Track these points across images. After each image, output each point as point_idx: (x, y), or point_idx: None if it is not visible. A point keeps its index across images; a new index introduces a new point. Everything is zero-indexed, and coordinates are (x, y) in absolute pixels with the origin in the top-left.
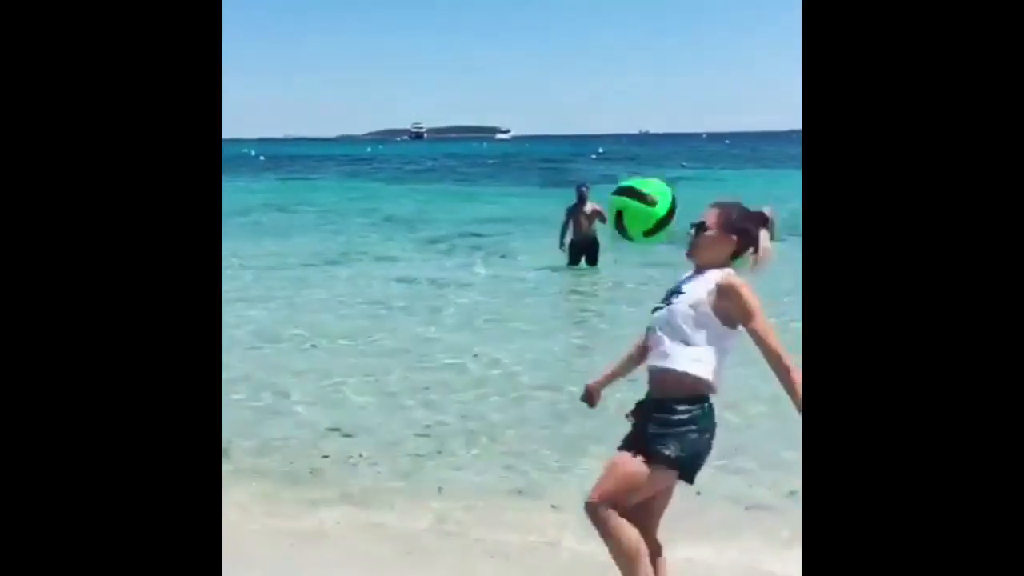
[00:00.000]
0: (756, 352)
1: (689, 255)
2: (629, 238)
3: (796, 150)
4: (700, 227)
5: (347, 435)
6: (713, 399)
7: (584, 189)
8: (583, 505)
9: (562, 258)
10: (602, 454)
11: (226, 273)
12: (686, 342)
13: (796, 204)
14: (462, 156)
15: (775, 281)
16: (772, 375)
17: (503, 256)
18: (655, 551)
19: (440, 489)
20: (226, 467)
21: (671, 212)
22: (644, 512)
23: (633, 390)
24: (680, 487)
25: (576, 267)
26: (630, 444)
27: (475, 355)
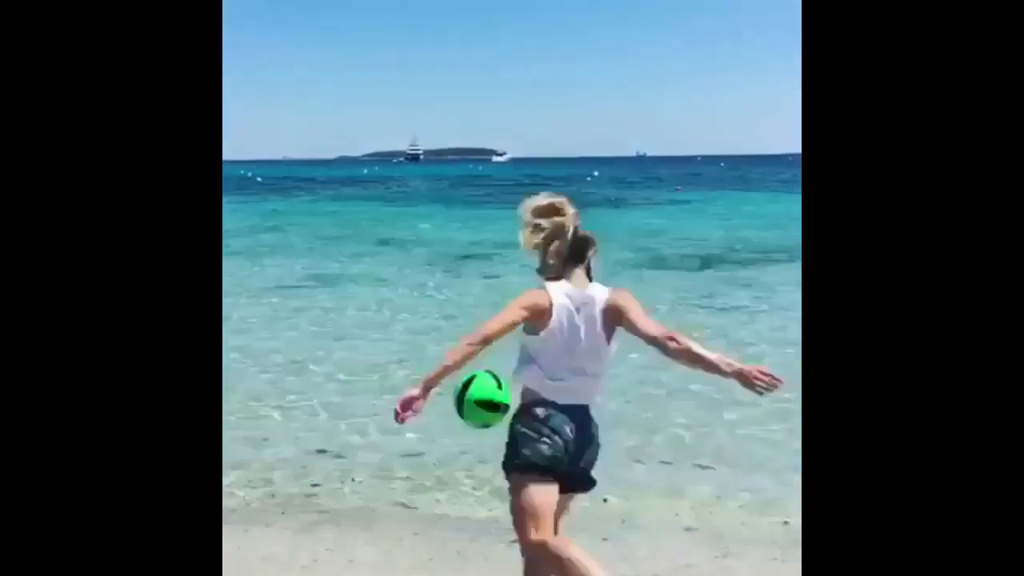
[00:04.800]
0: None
1: None
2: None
3: (791, 173)
4: None
5: (338, 457)
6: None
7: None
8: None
9: None
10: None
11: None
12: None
13: (784, 227)
14: (458, 178)
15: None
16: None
17: (494, 279)
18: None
19: (434, 518)
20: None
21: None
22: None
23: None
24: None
25: None
26: None
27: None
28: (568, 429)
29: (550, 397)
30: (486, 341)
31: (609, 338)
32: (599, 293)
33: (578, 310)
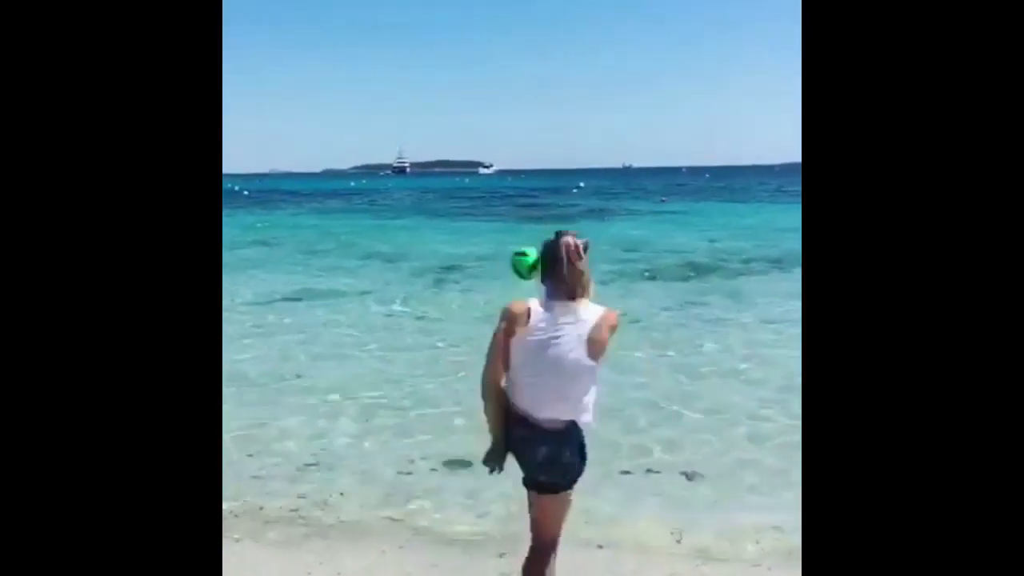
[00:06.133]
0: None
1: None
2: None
3: (776, 184)
4: None
5: (324, 471)
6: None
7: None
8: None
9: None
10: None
11: None
12: None
13: (769, 238)
14: (444, 190)
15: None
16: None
17: (480, 293)
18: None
19: (419, 531)
20: None
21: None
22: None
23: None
24: None
25: None
26: None
27: (457, 388)
28: (518, 433)
29: (513, 400)
30: (499, 376)
31: (594, 358)
32: (591, 314)
33: (560, 324)
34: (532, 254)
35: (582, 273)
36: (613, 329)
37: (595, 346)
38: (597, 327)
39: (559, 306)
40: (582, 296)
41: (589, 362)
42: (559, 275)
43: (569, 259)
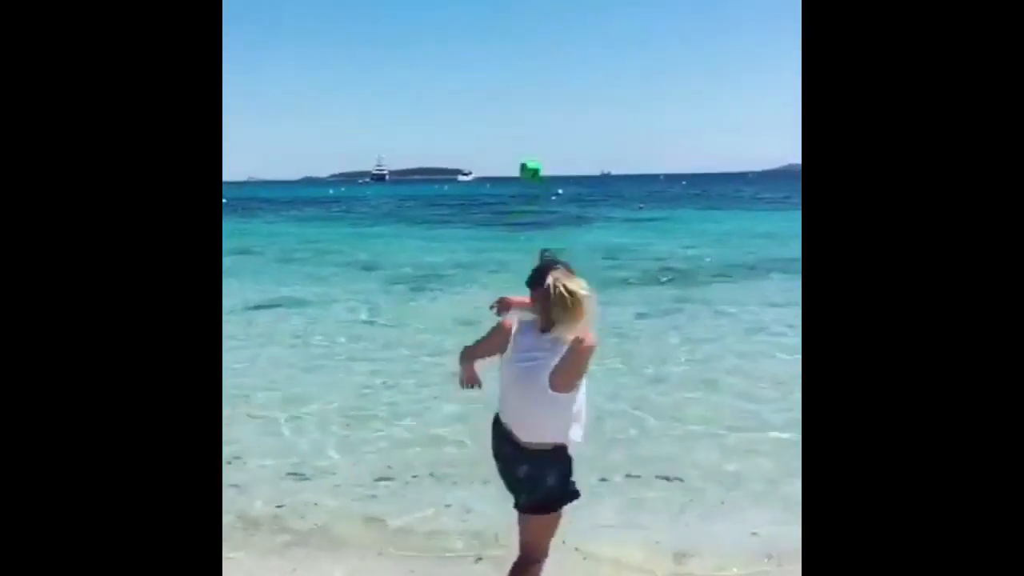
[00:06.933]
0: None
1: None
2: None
3: (751, 191)
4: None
5: (303, 480)
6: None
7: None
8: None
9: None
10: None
11: None
12: None
13: (746, 244)
14: (423, 198)
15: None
16: None
17: (459, 302)
18: None
19: (395, 535)
20: None
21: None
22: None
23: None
24: None
25: None
26: None
27: (436, 397)
28: (504, 450)
29: (502, 418)
30: (476, 357)
31: (563, 388)
32: (565, 342)
33: (534, 352)
34: (531, 162)
35: (563, 312)
36: (590, 352)
37: (563, 376)
38: (567, 358)
39: (535, 335)
40: (558, 325)
41: (556, 392)
42: (536, 301)
43: (558, 294)
